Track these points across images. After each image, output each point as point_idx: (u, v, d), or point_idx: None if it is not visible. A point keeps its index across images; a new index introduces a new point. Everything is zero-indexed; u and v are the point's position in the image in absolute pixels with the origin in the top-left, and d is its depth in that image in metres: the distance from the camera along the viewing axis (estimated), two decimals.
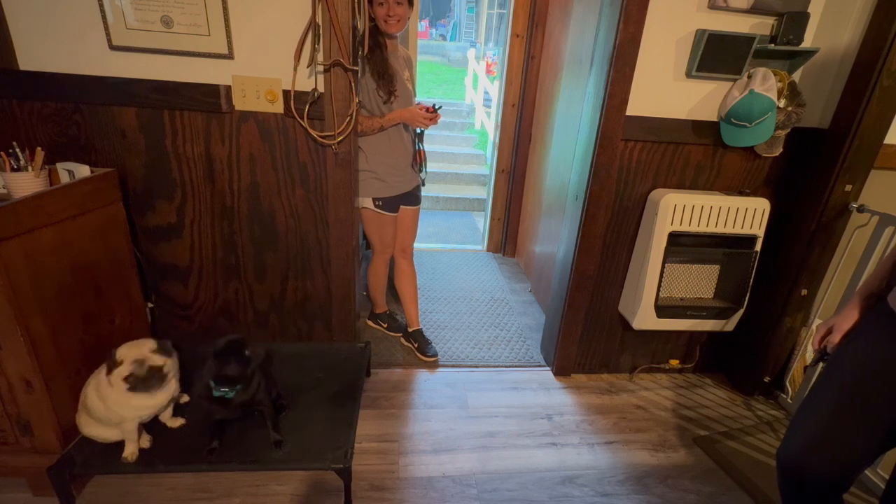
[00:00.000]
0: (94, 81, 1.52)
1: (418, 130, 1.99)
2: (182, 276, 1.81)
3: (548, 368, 2.21)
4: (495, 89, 3.94)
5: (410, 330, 2.27)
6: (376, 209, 1.95)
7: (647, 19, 1.60)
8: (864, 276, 1.74)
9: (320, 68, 1.56)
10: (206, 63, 1.54)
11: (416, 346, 2.22)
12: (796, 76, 1.76)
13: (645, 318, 1.91)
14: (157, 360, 1.28)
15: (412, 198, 2.08)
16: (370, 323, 2.41)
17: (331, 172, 1.69)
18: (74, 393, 1.37)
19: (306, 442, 1.44)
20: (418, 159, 2.03)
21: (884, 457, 1.49)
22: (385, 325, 2.37)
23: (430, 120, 1.81)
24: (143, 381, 1.25)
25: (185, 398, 1.54)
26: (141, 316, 1.75)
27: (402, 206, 2.04)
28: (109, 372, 1.23)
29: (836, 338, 1.12)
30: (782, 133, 1.74)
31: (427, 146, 2.08)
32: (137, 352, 1.26)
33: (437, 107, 1.81)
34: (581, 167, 1.89)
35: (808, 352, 1.99)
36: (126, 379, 1.23)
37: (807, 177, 1.83)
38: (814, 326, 1.96)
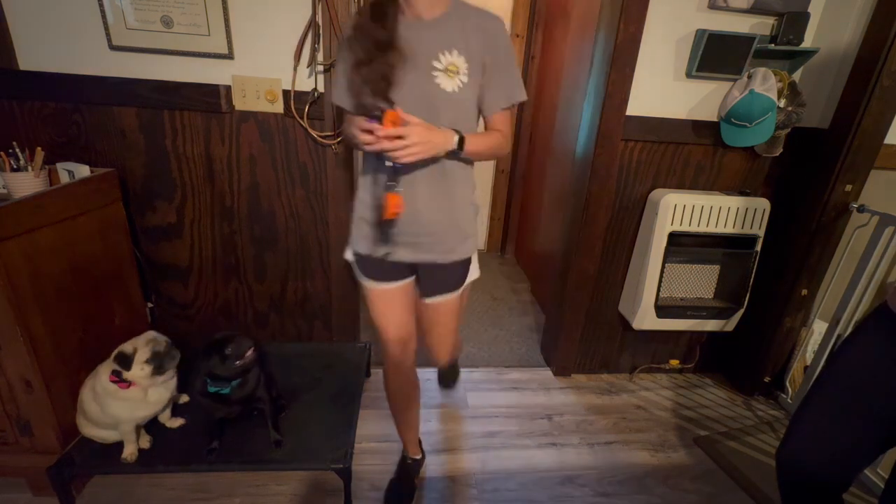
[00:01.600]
0: (94, 81, 1.52)
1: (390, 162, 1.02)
2: (182, 275, 1.81)
3: (548, 368, 2.21)
4: None
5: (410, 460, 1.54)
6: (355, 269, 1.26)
7: (647, 19, 1.60)
8: (863, 275, 1.74)
9: (320, 68, 1.56)
10: (206, 63, 1.54)
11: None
12: (796, 76, 1.76)
13: (645, 318, 1.91)
14: (162, 338, 1.34)
15: (435, 281, 1.23)
16: None
17: (331, 172, 1.69)
18: (74, 393, 1.37)
19: (306, 442, 1.44)
20: (385, 210, 1.03)
21: (883, 457, 1.49)
22: None
23: (376, 139, 0.95)
24: (166, 355, 1.31)
25: (185, 398, 1.54)
26: (141, 316, 1.75)
27: (423, 299, 1.26)
28: (128, 367, 1.25)
29: None
30: (782, 133, 1.74)
31: None
32: (144, 338, 1.31)
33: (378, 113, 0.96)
34: (581, 167, 1.89)
35: (809, 352, 1.99)
36: (149, 361, 1.27)
37: (807, 177, 1.83)
38: (814, 326, 1.97)
